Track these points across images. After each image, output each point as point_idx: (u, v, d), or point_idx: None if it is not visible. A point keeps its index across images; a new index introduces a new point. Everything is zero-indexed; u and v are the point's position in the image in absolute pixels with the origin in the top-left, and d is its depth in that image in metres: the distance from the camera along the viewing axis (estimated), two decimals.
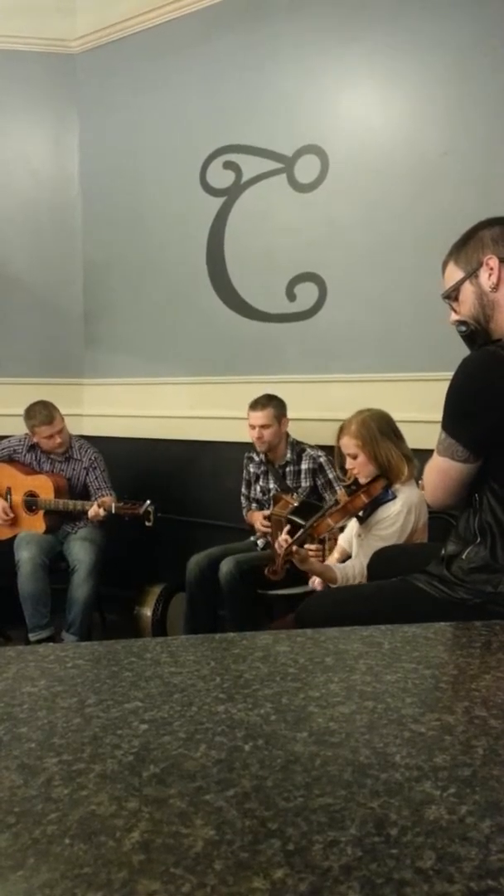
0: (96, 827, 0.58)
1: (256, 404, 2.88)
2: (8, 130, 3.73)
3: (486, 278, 1.36)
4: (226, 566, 2.71)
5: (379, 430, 2.15)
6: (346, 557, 2.34)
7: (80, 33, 3.67)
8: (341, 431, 2.21)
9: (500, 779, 0.66)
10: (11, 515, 3.14)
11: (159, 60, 3.47)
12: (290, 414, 2.93)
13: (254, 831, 0.57)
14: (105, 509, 2.95)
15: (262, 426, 2.86)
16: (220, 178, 3.34)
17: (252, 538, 3.01)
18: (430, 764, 0.68)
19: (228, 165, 3.31)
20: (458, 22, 2.66)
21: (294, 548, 2.08)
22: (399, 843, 0.56)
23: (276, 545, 2.24)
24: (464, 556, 1.39)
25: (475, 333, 1.41)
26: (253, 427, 2.87)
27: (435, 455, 1.40)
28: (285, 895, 0.50)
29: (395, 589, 1.52)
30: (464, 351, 1.41)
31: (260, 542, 2.92)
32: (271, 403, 2.88)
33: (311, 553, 2.15)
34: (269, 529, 2.75)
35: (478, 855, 0.54)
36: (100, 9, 3.58)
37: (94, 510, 2.96)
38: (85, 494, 3.19)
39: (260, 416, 2.86)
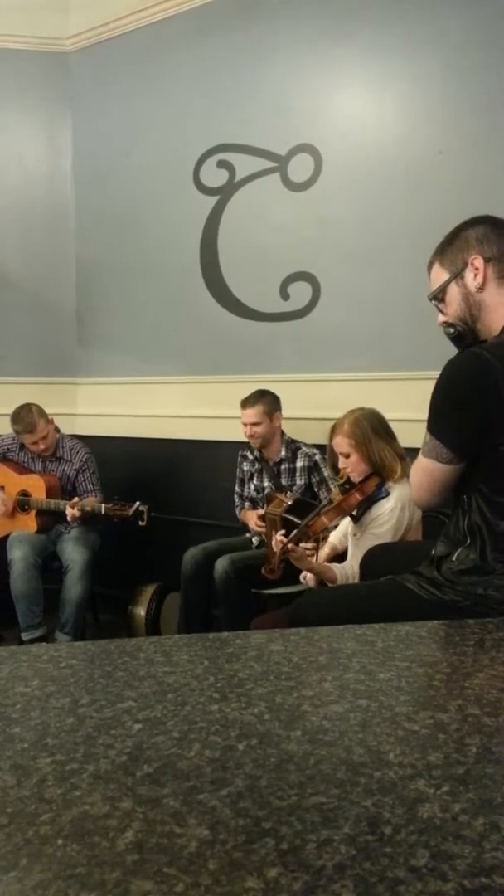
0: (89, 827, 0.58)
1: (246, 402, 2.88)
2: (1, 129, 3.71)
3: (471, 279, 1.36)
4: (220, 565, 2.70)
5: (371, 428, 2.13)
6: (336, 555, 2.34)
7: (73, 31, 3.66)
8: (334, 431, 2.20)
9: (493, 777, 0.66)
10: (11, 507, 3.12)
11: (153, 59, 3.46)
12: (283, 413, 2.92)
13: (247, 830, 0.57)
14: (80, 509, 2.93)
15: (253, 423, 2.85)
16: (214, 177, 3.33)
17: (247, 535, 3.01)
18: (424, 762, 0.69)
19: (222, 164, 3.31)
20: (451, 20, 2.66)
21: (290, 546, 2.07)
22: (392, 841, 0.56)
23: (273, 543, 2.23)
24: (454, 559, 1.38)
25: (463, 334, 1.41)
26: (245, 425, 2.88)
27: (420, 456, 1.39)
28: (279, 894, 0.50)
29: (386, 589, 1.51)
30: (455, 350, 1.41)
31: (255, 540, 2.92)
32: (261, 400, 2.87)
33: (306, 552, 2.15)
34: (263, 529, 2.75)
35: (471, 853, 0.55)
36: (93, 7, 3.57)
37: (69, 511, 2.94)
38: (74, 495, 3.16)
39: (250, 414, 2.86)
